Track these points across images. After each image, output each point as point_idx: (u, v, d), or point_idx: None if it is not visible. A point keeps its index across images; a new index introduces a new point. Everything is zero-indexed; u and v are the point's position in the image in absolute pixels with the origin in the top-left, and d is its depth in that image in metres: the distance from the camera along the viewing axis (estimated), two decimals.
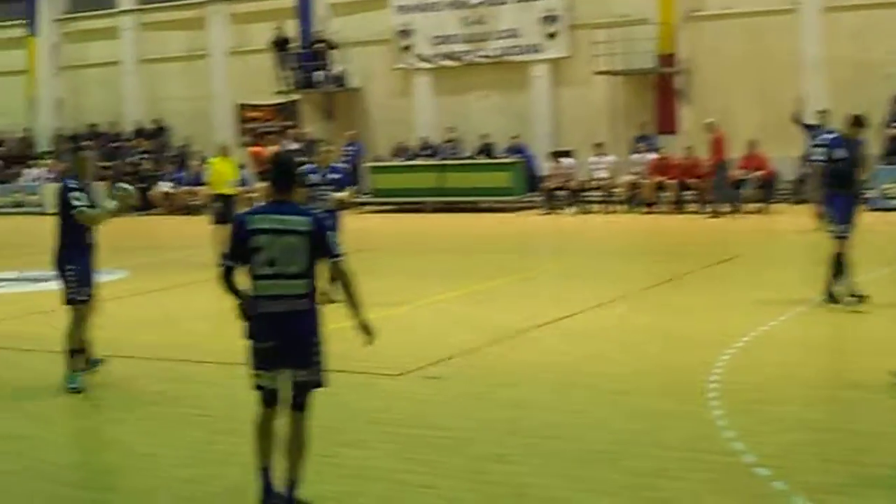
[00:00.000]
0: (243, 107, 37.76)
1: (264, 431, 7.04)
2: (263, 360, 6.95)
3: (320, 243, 6.98)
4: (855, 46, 28.83)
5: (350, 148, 33.26)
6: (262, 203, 7.27)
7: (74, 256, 10.50)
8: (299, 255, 6.90)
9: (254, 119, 37.60)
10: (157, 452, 8.48)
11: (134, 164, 36.17)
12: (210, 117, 37.74)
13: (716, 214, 26.45)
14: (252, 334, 6.97)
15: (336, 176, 14.36)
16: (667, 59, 30.65)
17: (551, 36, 32.54)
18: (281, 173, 7.18)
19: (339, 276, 7.10)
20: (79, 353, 10.52)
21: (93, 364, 10.77)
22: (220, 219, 19.00)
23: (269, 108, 37.26)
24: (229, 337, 10.84)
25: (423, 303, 14.22)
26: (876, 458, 7.62)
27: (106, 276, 18.46)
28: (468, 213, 29.84)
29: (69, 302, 10.54)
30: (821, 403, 9.04)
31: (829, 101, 27.00)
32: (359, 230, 23.33)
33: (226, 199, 19.71)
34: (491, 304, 14.36)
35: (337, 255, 7.06)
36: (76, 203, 10.29)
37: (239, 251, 6.97)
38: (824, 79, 29.00)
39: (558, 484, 7.34)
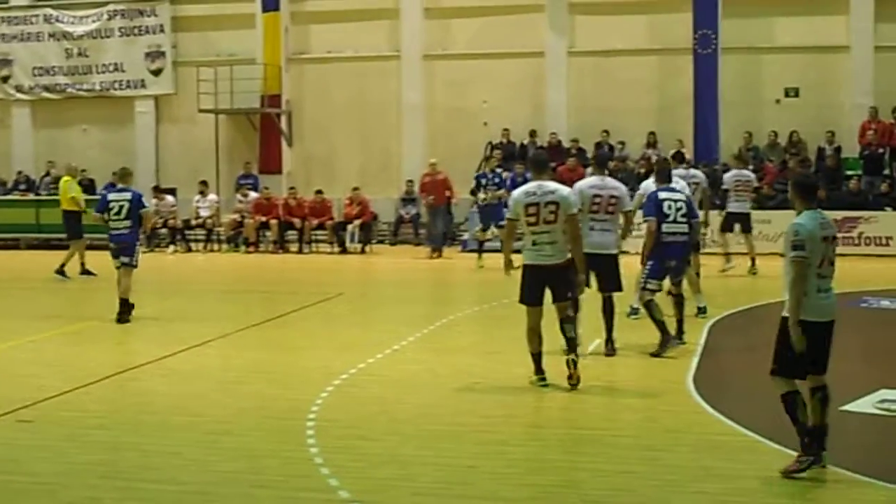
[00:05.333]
0: None
1: None
2: None
3: None
4: (452, 94, 30.18)
5: None
6: None
7: None
8: None
9: None
10: None
11: None
12: None
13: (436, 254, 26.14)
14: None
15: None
16: (272, 99, 30.97)
17: (156, 72, 32.21)
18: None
19: None
20: None
21: None
22: None
23: None
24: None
25: (14, 344, 13.64)
26: (467, 490, 7.95)
27: None
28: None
29: None
30: (413, 439, 9.34)
31: (427, 146, 28.08)
32: None
33: None
34: (86, 345, 13.97)
35: None
36: None
37: None
38: (423, 124, 30.15)
39: None
